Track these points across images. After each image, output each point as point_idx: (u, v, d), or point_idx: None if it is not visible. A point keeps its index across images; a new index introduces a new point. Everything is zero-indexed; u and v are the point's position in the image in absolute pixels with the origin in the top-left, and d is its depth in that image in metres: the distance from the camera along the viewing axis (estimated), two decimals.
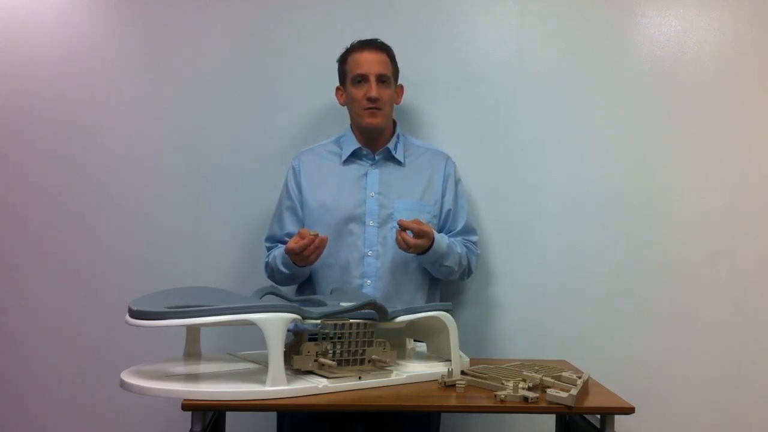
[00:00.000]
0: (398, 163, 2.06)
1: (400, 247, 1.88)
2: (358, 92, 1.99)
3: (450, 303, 1.78)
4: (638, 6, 2.29)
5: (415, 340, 1.89)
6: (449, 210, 2.07)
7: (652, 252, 2.26)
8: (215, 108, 2.29)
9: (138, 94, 2.29)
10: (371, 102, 1.97)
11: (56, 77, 2.27)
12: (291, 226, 2.04)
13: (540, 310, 2.26)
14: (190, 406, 1.37)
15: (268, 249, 2.07)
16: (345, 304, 1.60)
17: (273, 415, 2.02)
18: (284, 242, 1.98)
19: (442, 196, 2.06)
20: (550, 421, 1.96)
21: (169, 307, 1.43)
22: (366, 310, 1.59)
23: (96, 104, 2.28)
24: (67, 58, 2.27)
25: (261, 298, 1.69)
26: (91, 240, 2.27)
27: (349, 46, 2.05)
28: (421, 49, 2.27)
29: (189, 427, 1.42)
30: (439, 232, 2.00)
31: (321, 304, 1.69)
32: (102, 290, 2.26)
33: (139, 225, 2.28)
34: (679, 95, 2.28)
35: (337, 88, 2.09)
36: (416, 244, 1.86)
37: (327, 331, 1.54)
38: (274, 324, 1.42)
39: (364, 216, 2.00)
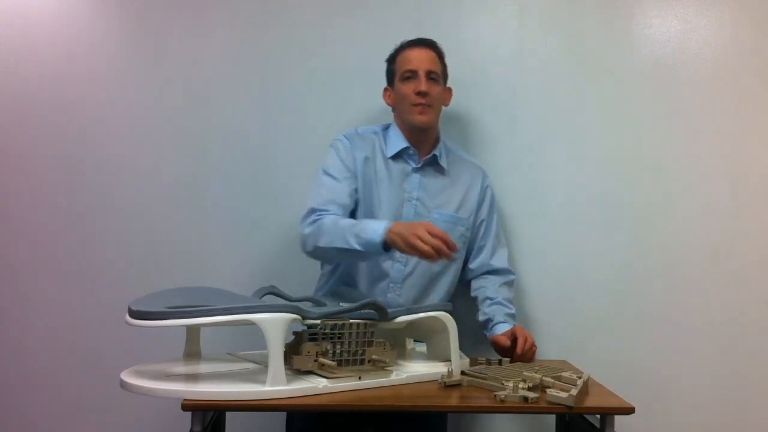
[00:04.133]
0: (440, 170, 2.02)
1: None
2: (407, 88, 1.95)
3: (450, 303, 1.78)
4: (638, 6, 2.29)
5: (415, 341, 1.89)
6: (482, 221, 2.08)
7: (652, 252, 2.26)
8: (215, 109, 2.28)
9: (138, 95, 2.28)
10: (421, 97, 1.94)
11: (56, 77, 2.27)
12: (352, 196, 1.92)
13: (540, 310, 2.26)
14: (190, 406, 1.38)
15: (319, 215, 1.86)
16: (345, 305, 1.60)
17: (273, 416, 2.02)
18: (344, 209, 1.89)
19: (477, 210, 2.06)
20: (550, 421, 1.96)
21: (169, 307, 1.43)
22: (366, 310, 1.59)
23: (96, 104, 2.28)
24: (67, 58, 2.27)
25: (261, 298, 1.69)
26: (91, 240, 2.27)
27: (398, 45, 2.03)
28: None
29: (189, 427, 1.42)
30: (471, 243, 2.06)
31: (321, 304, 1.69)
32: (102, 290, 2.26)
33: (139, 225, 2.27)
34: (679, 95, 2.28)
35: (385, 89, 2.06)
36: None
37: (327, 331, 1.54)
38: (274, 324, 1.42)
39: (400, 219, 1.95)
